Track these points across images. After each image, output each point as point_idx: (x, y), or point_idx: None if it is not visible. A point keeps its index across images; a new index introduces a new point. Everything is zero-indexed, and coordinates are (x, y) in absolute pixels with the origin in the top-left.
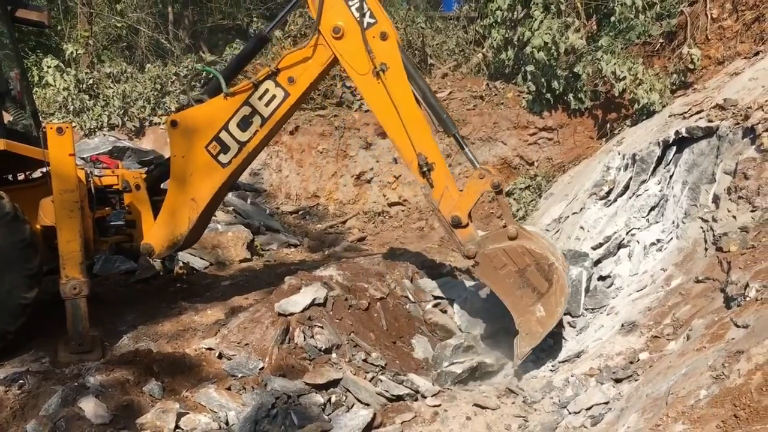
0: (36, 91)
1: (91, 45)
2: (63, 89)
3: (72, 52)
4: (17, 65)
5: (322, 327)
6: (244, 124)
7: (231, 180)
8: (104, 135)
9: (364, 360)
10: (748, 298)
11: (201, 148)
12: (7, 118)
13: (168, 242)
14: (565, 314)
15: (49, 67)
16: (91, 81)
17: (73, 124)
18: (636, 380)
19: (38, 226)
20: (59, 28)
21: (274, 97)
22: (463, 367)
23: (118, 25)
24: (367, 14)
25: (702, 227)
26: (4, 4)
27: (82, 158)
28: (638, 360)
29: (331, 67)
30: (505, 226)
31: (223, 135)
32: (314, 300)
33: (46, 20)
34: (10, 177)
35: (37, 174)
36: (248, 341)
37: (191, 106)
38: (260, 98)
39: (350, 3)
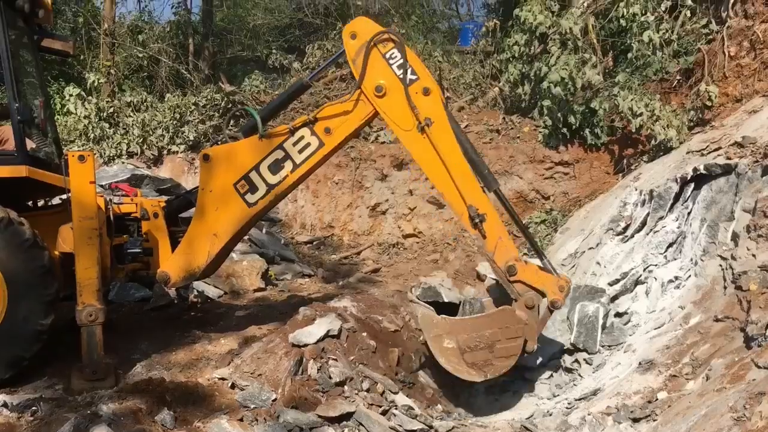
0: (58, 119)
1: (112, 74)
2: (84, 117)
3: (94, 81)
4: (41, 93)
5: (336, 359)
6: (275, 167)
7: (254, 220)
8: (123, 163)
9: (378, 393)
10: None
11: (230, 185)
12: (30, 145)
13: (185, 273)
14: (581, 351)
15: (71, 95)
16: (111, 109)
17: (94, 152)
18: (654, 420)
19: (57, 253)
20: (82, 57)
21: (308, 144)
22: None
23: (140, 55)
24: (409, 71)
25: (721, 265)
26: (31, 33)
27: (101, 186)
28: (656, 399)
29: (371, 121)
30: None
31: (253, 175)
32: (328, 331)
33: (70, 50)
34: (30, 203)
35: (56, 201)
36: (261, 372)
37: (226, 143)
38: (294, 144)
39: (391, 62)
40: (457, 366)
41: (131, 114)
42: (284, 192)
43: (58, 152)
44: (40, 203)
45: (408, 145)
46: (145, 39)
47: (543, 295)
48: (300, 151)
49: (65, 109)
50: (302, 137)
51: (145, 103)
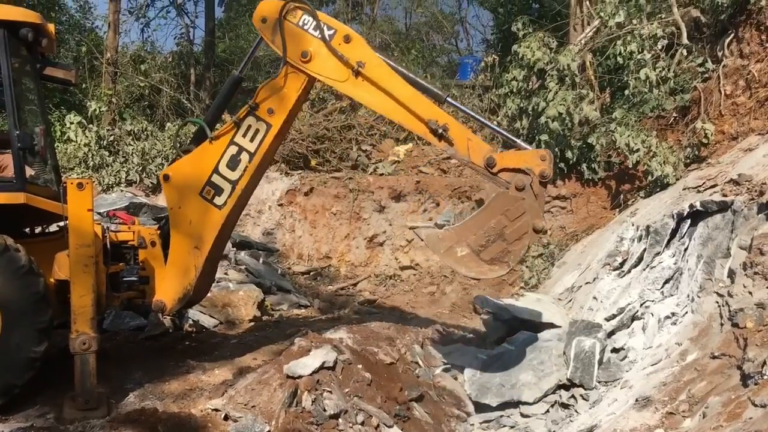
0: (58, 146)
1: (114, 103)
2: (84, 145)
3: (95, 110)
4: (42, 121)
5: (330, 391)
6: (233, 163)
7: (230, 221)
8: (122, 191)
9: (373, 427)
10: (765, 377)
11: (196, 196)
12: (29, 172)
13: (178, 294)
14: (577, 386)
15: (71, 123)
16: (111, 138)
17: (93, 180)
18: None
19: (52, 280)
20: (84, 85)
21: (257, 131)
22: None
23: (142, 84)
24: (324, 28)
25: (717, 302)
26: (34, 62)
27: (99, 213)
28: None
29: (308, 89)
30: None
31: (215, 178)
32: (324, 363)
33: (72, 78)
34: (28, 230)
35: (53, 228)
36: (255, 403)
37: (180, 158)
38: (244, 135)
39: (306, 27)
40: (479, 269)
41: (131, 142)
42: (248, 185)
43: (57, 179)
44: (38, 230)
45: (351, 94)
46: (147, 68)
47: (528, 173)
48: (251, 140)
49: (65, 137)
50: (249, 126)
51: (145, 132)
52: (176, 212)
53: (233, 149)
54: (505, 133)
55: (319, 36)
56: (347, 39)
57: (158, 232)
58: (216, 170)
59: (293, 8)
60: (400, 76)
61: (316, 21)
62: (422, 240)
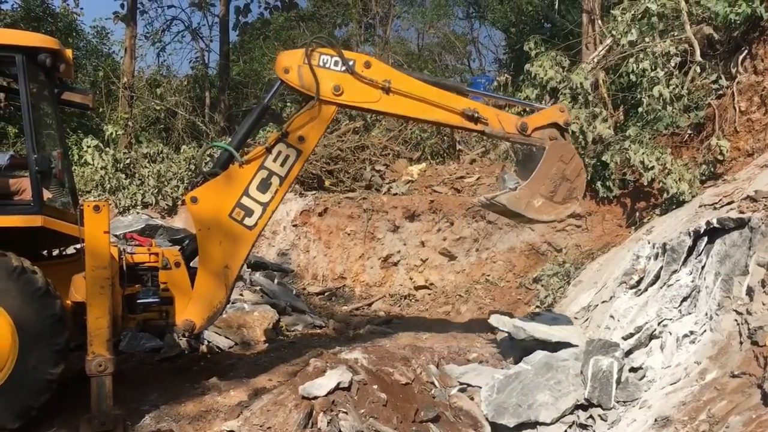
0: (75, 170)
1: (130, 126)
2: (101, 168)
3: (112, 133)
4: (60, 145)
5: (346, 412)
6: (264, 186)
7: (257, 240)
8: (138, 213)
9: None
10: None
11: (225, 217)
12: (47, 195)
13: (208, 313)
14: (595, 406)
15: (89, 146)
16: (128, 161)
17: (109, 202)
18: None
19: (69, 302)
20: (101, 109)
21: (288, 156)
22: None
23: (157, 108)
24: (342, 62)
25: (736, 320)
26: (52, 87)
27: (116, 235)
28: None
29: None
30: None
31: (245, 200)
32: (339, 384)
33: (90, 103)
34: (44, 252)
35: (70, 250)
36: (271, 425)
37: (206, 181)
38: (275, 160)
39: (328, 66)
40: (556, 211)
41: (147, 165)
42: (278, 205)
43: (74, 202)
44: (55, 252)
45: (387, 109)
46: (162, 92)
47: (556, 126)
48: (282, 165)
49: (83, 160)
50: (280, 152)
51: (161, 155)
52: (205, 233)
53: (264, 173)
54: (523, 102)
55: (345, 69)
56: (368, 65)
57: (181, 253)
58: (246, 192)
59: (311, 52)
60: (420, 79)
61: (336, 57)
62: (504, 205)
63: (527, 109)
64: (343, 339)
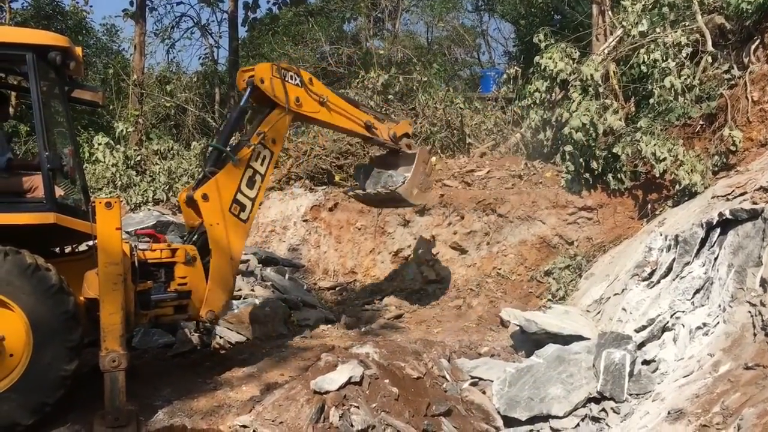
0: (86, 167)
1: (140, 123)
2: (112, 165)
3: (122, 130)
4: (71, 142)
5: (357, 406)
6: (251, 183)
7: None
8: (149, 210)
9: None
10: None
11: (228, 212)
12: (59, 192)
13: (224, 301)
14: (608, 399)
15: (99, 144)
16: (138, 157)
17: (121, 199)
18: None
19: (82, 299)
20: (111, 107)
21: (265, 157)
22: None
23: (167, 104)
24: (297, 78)
25: (750, 311)
26: (62, 84)
27: (127, 232)
28: None
29: None
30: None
31: (239, 196)
32: (350, 378)
33: (100, 100)
34: (57, 250)
35: (83, 247)
36: (283, 419)
37: (208, 179)
38: (256, 160)
39: (290, 79)
40: (424, 198)
41: (158, 162)
42: (262, 201)
43: (86, 199)
44: (68, 250)
45: (327, 119)
46: (172, 89)
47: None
48: (261, 164)
49: (94, 158)
50: (260, 152)
51: (171, 151)
52: (215, 228)
53: (250, 171)
54: (376, 112)
55: (298, 84)
56: (311, 81)
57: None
58: (239, 189)
59: (278, 68)
60: (342, 98)
61: (298, 73)
62: (400, 194)
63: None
64: (354, 333)
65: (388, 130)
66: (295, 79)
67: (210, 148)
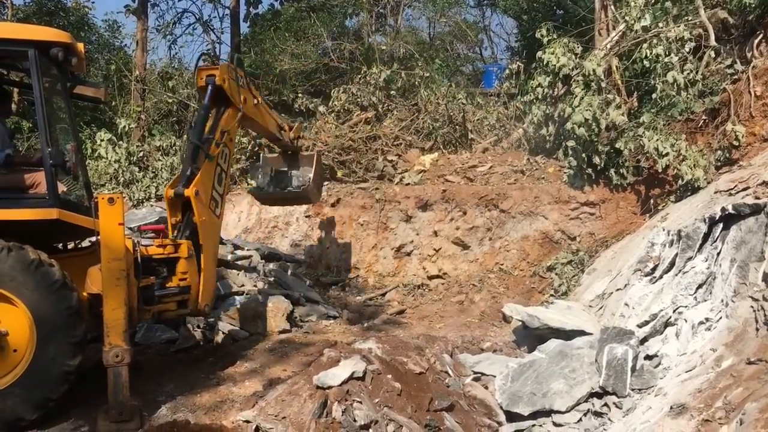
0: (89, 163)
1: (142, 119)
2: (114, 161)
3: (124, 126)
4: (73, 138)
5: (360, 402)
6: (219, 179)
7: None
8: (151, 206)
9: None
10: None
11: (209, 208)
12: (61, 188)
13: (212, 294)
14: (610, 394)
15: (102, 140)
16: (141, 154)
17: (123, 195)
18: None
19: (85, 294)
20: (113, 103)
21: (226, 154)
22: None
23: (170, 100)
24: (243, 80)
25: (752, 306)
26: (65, 81)
27: (130, 228)
28: None
29: None
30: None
31: (213, 192)
32: (353, 373)
33: (102, 96)
34: (60, 246)
35: (86, 243)
36: (286, 414)
37: (195, 175)
38: (221, 157)
39: (238, 82)
40: (320, 196)
41: (160, 158)
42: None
43: (89, 195)
44: (71, 245)
45: (258, 119)
46: (175, 85)
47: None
48: (224, 161)
49: (96, 154)
50: (223, 150)
51: (174, 147)
52: (205, 223)
53: (218, 168)
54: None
55: (246, 86)
56: (249, 83)
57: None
58: (213, 186)
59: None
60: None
61: (245, 77)
62: (308, 193)
63: None
64: (356, 329)
65: (292, 132)
66: (241, 81)
67: (191, 145)
